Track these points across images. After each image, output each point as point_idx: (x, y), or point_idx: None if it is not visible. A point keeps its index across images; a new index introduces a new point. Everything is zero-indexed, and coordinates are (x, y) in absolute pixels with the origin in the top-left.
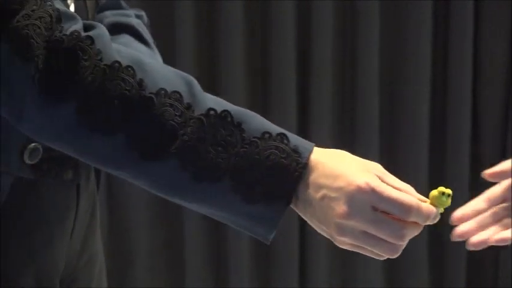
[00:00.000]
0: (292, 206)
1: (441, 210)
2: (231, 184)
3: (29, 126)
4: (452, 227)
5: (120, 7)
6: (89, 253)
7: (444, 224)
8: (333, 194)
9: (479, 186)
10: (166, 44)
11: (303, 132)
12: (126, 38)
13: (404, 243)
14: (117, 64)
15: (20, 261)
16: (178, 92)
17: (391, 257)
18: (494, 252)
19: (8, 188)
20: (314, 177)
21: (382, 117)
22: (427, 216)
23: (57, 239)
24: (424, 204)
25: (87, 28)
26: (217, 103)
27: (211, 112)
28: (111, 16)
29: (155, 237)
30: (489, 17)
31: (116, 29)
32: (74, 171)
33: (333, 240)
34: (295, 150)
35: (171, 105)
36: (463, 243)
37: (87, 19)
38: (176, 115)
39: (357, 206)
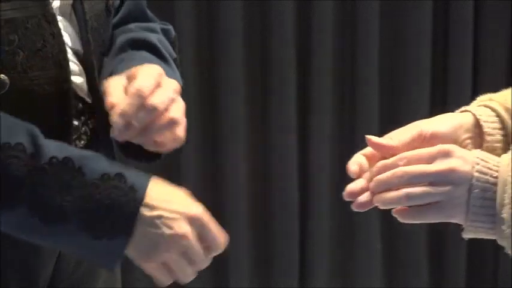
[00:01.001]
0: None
1: None
2: (77, 224)
3: None
4: (453, 227)
5: (146, 18)
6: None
7: (444, 225)
8: (170, 215)
9: None
10: None
11: (303, 132)
12: (145, 55)
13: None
14: None
15: (6, 265)
16: (21, 144)
17: (186, 281)
18: (494, 252)
19: None
20: (151, 207)
21: (382, 116)
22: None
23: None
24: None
25: None
26: (60, 150)
27: (54, 160)
28: (135, 30)
29: None
30: (489, 17)
31: (136, 44)
32: None
33: (146, 268)
34: (132, 188)
35: (16, 157)
36: (463, 243)
37: (85, 20)
38: (20, 165)
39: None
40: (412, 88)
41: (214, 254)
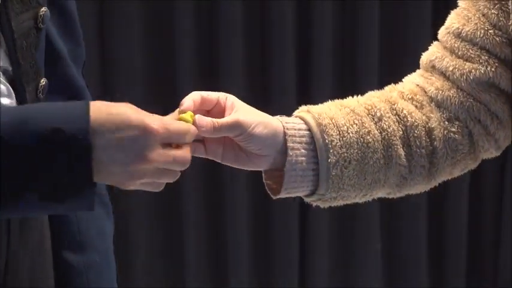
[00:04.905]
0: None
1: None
2: (37, 196)
3: None
4: (453, 227)
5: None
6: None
7: (444, 225)
8: (126, 135)
9: (479, 184)
10: (167, 44)
11: None
12: None
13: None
14: None
15: None
16: None
17: (171, 181)
18: (494, 252)
19: None
20: (102, 135)
21: None
22: (194, 130)
23: None
24: (186, 123)
25: None
26: None
27: None
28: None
29: (155, 238)
30: None
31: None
32: None
33: (121, 186)
34: (75, 137)
35: None
36: (463, 243)
37: (13, 39)
38: None
39: (152, 148)
40: None
41: (187, 141)
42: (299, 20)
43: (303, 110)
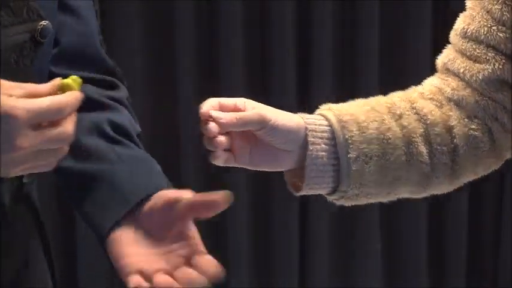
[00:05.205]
0: None
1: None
2: None
3: None
4: (453, 227)
5: (102, 64)
6: None
7: (444, 225)
8: None
9: (479, 184)
10: (167, 44)
11: None
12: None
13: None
14: None
15: None
16: None
17: (60, 157)
18: (494, 251)
19: None
20: None
21: None
22: (73, 99)
23: None
24: (63, 94)
25: None
26: None
27: None
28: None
29: None
30: None
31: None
32: None
33: (6, 175)
34: None
35: None
36: (463, 243)
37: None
38: None
39: (19, 134)
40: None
41: (65, 115)
42: (299, 20)
43: (324, 108)
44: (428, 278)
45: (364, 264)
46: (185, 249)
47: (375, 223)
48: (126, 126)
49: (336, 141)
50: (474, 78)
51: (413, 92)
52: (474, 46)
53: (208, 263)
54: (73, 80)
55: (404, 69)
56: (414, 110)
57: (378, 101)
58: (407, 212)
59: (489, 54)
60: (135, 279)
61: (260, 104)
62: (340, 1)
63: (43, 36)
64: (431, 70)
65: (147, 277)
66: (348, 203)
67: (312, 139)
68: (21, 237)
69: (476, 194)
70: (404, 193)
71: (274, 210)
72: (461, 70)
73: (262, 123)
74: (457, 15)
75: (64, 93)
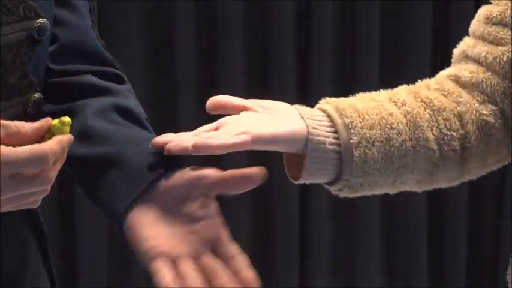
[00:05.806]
0: None
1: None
2: None
3: None
4: (453, 227)
5: (103, 58)
6: None
7: (444, 225)
8: None
9: (479, 184)
10: (167, 44)
11: None
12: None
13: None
14: None
15: None
16: None
17: (42, 197)
18: (494, 251)
19: None
20: None
21: None
22: (59, 147)
23: None
24: (48, 142)
25: None
26: None
27: None
28: (112, 91)
29: None
30: None
31: (122, 113)
32: None
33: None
34: None
35: None
36: (463, 243)
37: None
38: None
39: None
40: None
41: (46, 166)
42: (299, 20)
43: (321, 103)
44: (428, 278)
45: (364, 264)
46: (208, 230)
47: (375, 223)
48: (134, 110)
49: (336, 128)
50: (498, 60)
51: (417, 85)
52: (498, 29)
53: (250, 280)
54: (61, 122)
55: (405, 69)
56: (419, 99)
57: (378, 93)
58: (407, 211)
59: None
60: (166, 277)
61: (265, 102)
62: (341, 1)
63: (40, 34)
64: (432, 70)
65: (171, 262)
66: (351, 194)
67: (313, 130)
68: (19, 237)
69: (476, 193)
70: (410, 183)
71: (274, 210)
72: (483, 54)
73: (259, 146)
74: (457, 15)
75: (52, 135)
